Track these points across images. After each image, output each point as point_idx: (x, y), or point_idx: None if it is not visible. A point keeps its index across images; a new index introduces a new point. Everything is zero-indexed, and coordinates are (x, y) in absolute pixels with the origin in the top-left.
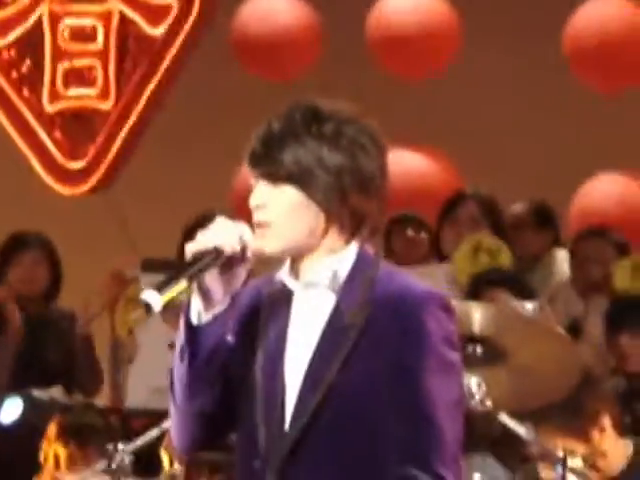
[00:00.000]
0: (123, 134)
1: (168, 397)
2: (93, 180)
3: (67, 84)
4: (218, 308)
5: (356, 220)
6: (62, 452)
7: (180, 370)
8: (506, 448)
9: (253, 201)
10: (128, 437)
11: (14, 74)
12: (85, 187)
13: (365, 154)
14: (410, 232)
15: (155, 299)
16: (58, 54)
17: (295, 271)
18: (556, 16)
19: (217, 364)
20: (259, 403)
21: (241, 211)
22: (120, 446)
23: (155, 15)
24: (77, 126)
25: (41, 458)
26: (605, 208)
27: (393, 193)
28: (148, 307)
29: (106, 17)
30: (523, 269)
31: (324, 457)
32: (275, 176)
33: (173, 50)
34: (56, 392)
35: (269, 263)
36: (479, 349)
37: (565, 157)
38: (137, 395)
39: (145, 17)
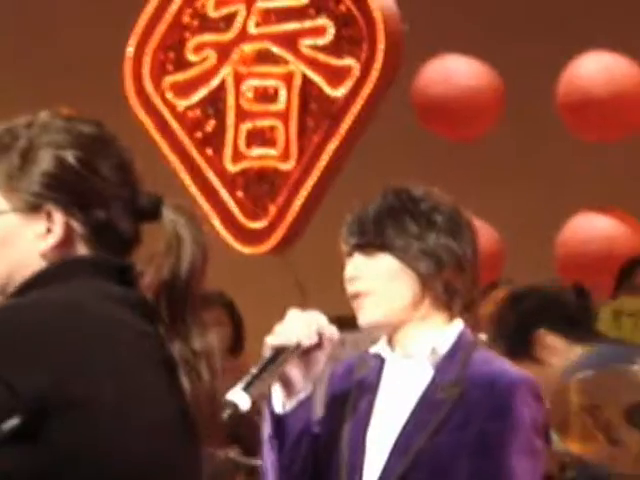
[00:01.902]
0: (304, 195)
1: None
2: (274, 240)
3: (249, 144)
4: (300, 396)
5: (449, 294)
6: None
7: (270, 458)
8: None
9: (348, 273)
10: None
11: (198, 134)
12: (266, 247)
13: (460, 235)
14: None
15: (243, 399)
16: (241, 114)
17: (390, 342)
18: None
19: (304, 450)
20: (343, 474)
21: None
22: None
23: (336, 76)
24: (259, 186)
25: None
26: None
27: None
28: (236, 407)
29: (288, 78)
30: None
31: None
32: (371, 246)
33: (354, 111)
34: (233, 452)
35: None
36: None
37: None
38: None
39: (326, 78)
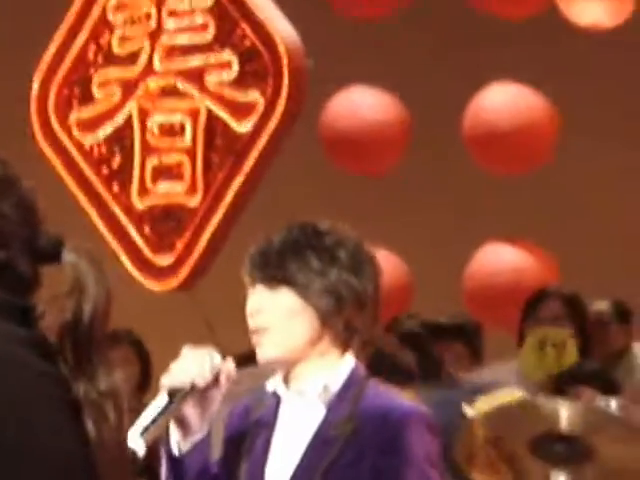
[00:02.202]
0: (210, 231)
1: None
2: (181, 276)
3: (155, 180)
4: (197, 436)
5: (349, 332)
6: None
7: None
8: None
9: (250, 307)
10: None
11: (104, 170)
12: (173, 283)
13: (361, 271)
14: None
15: (139, 445)
16: (147, 150)
17: (286, 378)
18: None
19: None
20: None
21: None
22: None
23: (242, 111)
24: (165, 222)
25: None
26: None
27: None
28: (134, 454)
29: (194, 114)
30: (608, 365)
31: None
32: (273, 279)
33: (259, 146)
34: None
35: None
36: (565, 447)
37: None
38: None
39: (232, 113)
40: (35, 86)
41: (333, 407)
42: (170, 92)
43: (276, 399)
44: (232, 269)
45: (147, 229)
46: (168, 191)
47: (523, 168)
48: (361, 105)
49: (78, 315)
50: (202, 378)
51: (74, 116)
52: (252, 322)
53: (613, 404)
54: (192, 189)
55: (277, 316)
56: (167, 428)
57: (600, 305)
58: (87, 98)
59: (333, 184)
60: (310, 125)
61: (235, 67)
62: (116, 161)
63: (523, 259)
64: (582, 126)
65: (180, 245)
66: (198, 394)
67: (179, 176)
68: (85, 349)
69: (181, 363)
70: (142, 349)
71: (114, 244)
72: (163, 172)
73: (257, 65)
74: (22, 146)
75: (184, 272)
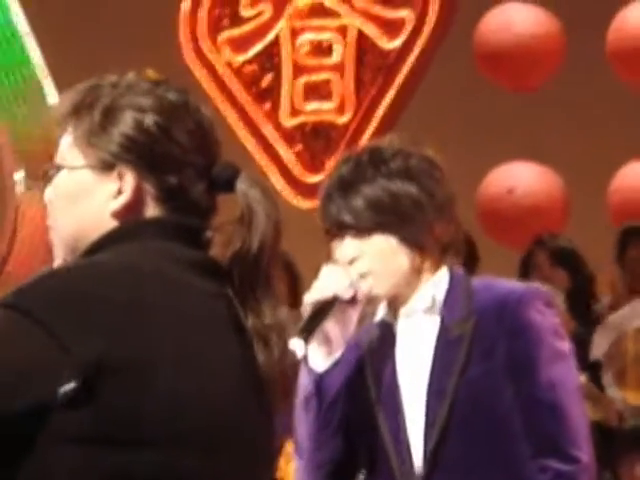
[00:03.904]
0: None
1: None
2: None
3: (306, 98)
4: (337, 354)
5: (443, 248)
6: None
7: (306, 422)
8: None
9: (345, 257)
10: None
11: (254, 89)
12: None
13: (435, 181)
14: None
15: (298, 345)
16: (296, 69)
17: (394, 309)
18: None
19: (340, 411)
20: (386, 439)
21: None
22: None
23: (391, 29)
24: (315, 140)
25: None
26: None
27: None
28: (294, 355)
29: (343, 32)
30: None
31: (463, 464)
32: (359, 229)
33: (409, 63)
34: None
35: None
36: None
37: None
38: None
39: (381, 31)
40: (185, 7)
41: (447, 312)
42: (319, 11)
43: (388, 328)
44: None
45: (297, 147)
46: (318, 109)
47: None
48: (516, 20)
49: (246, 245)
50: (344, 290)
51: (224, 35)
52: (353, 269)
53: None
54: (342, 107)
55: (375, 260)
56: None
57: None
58: (237, 17)
59: (484, 100)
60: (464, 41)
61: None
62: (266, 80)
63: None
64: None
65: (331, 163)
66: (339, 309)
67: (329, 94)
68: (252, 280)
69: (323, 278)
70: (293, 270)
71: (265, 162)
72: (313, 90)
73: None
74: (169, 65)
75: None
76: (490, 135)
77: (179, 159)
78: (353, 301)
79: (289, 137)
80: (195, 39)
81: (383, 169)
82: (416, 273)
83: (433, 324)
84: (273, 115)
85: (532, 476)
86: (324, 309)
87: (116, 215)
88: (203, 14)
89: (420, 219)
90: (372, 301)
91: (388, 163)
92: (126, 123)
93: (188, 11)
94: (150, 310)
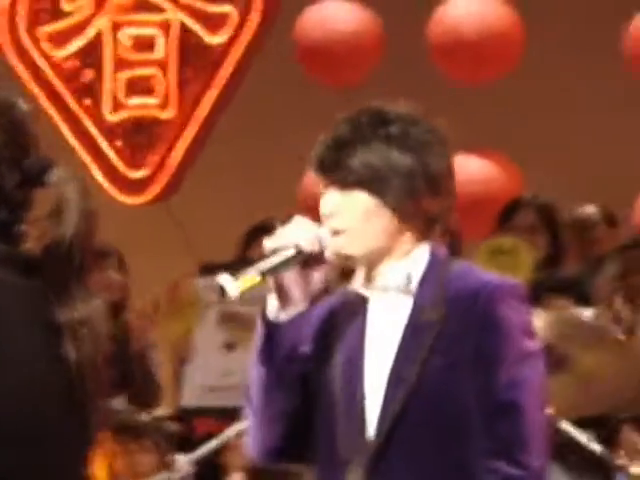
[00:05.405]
0: (184, 143)
1: (232, 397)
2: (155, 189)
3: (128, 93)
4: (296, 309)
5: (428, 221)
6: (118, 448)
7: (258, 372)
8: (572, 455)
9: (325, 209)
10: (188, 445)
11: (75, 84)
12: (147, 196)
13: (433, 154)
14: None
15: (231, 285)
16: (119, 64)
17: (369, 278)
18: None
19: (294, 367)
20: (340, 408)
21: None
22: (182, 456)
23: (214, 24)
24: (137, 136)
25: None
26: None
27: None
28: (222, 291)
29: (166, 26)
30: (592, 271)
31: (411, 454)
32: (345, 182)
33: (233, 58)
34: (117, 403)
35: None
36: None
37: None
38: (192, 395)
39: (204, 26)
40: (4, 0)
41: (420, 294)
42: (142, 5)
43: (361, 299)
44: (208, 182)
45: (120, 143)
46: (141, 104)
47: (485, 77)
48: (334, 17)
49: (57, 239)
50: (308, 244)
51: (44, 30)
52: (328, 224)
53: (587, 313)
54: (165, 102)
55: (353, 218)
56: (265, 292)
57: (587, 209)
58: (57, 12)
59: (307, 95)
60: (283, 37)
61: None
62: (87, 75)
63: (491, 170)
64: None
65: (153, 159)
66: (301, 263)
67: (152, 90)
68: (64, 274)
69: (289, 227)
70: (122, 264)
71: (86, 158)
72: (135, 86)
73: None
74: None
75: (158, 186)
76: (314, 131)
77: None
78: (320, 259)
79: (110, 133)
80: (15, 33)
81: (381, 132)
82: (392, 240)
83: (405, 306)
84: (94, 111)
85: (479, 476)
86: (287, 262)
87: None
88: (23, 7)
89: (407, 187)
90: (341, 260)
91: (387, 127)
92: None
93: (7, 4)
94: None
